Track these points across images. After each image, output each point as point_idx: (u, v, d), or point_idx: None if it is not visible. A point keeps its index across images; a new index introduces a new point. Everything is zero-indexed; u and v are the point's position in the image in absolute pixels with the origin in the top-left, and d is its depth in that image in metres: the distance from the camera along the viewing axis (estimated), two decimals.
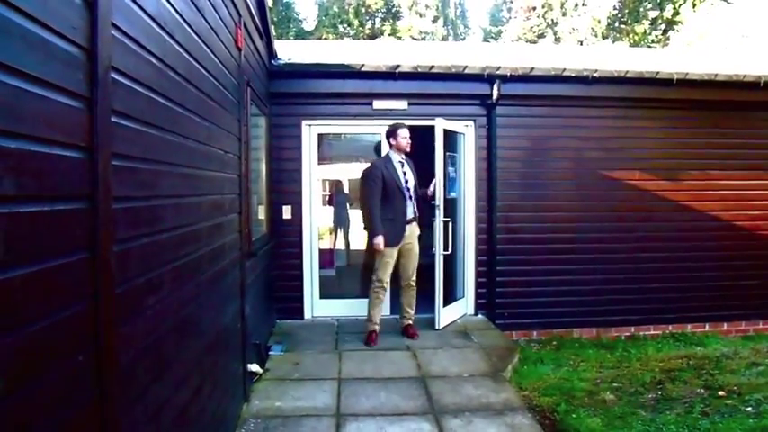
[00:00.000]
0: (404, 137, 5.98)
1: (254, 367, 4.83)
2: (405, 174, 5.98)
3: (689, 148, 7.28)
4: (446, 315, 6.60)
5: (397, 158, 6.00)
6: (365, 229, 6.28)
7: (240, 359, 4.33)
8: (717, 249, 7.37)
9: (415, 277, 6.15)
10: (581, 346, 6.72)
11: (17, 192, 1.33)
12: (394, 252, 5.96)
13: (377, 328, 6.08)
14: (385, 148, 6.21)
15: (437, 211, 6.31)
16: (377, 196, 5.87)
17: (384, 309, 6.39)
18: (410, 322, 6.24)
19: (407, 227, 5.98)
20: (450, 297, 6.75)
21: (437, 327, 6.41)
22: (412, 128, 6.13)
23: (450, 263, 6.79)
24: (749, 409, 4.65)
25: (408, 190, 5.98)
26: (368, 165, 6.43)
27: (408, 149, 6.02)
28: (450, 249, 6.47)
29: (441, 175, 6.26)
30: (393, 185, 5.88)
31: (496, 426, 4.12)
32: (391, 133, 6.04)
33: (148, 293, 2.25)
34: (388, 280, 6.06)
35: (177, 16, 2.65)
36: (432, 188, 6.24)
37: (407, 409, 4.37)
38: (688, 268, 7.29)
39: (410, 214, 6.01)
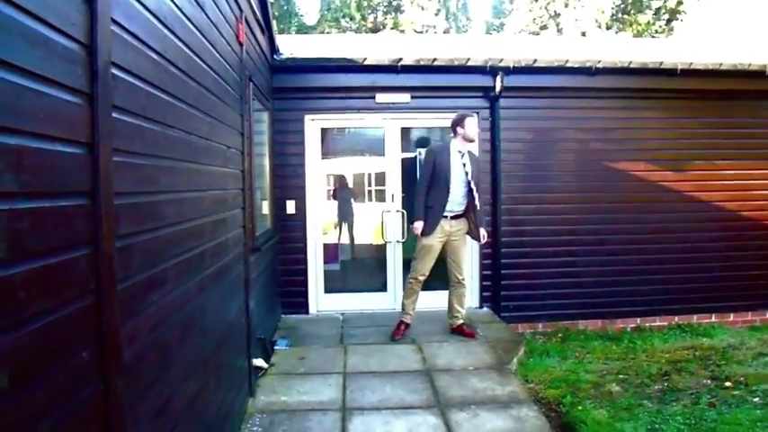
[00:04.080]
0: (472, 125, 5.77)
1: (259, 362, 4.84)
2: (464, 165, 5.73)
3: (694, 138, 7.24)
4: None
5: (456, 148, 5.76)
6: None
7: (245, 354, 4.33)
8: (722, 240, 7.34)
9: (464, 276, 5.95)
10: (587, 338, 6.71)
11: (18, 188, 1.33)
12: (432, 243, 5.75)
13: (407, 319, 5.99)
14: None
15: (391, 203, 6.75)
16: (423, 182, 5.78)
17: (385, 302, 6.36)
18: (461, 321, 6.02)
19: (448, 221, 5.75)
20: None
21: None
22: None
23: None
24: (756, 399, 4.65)
25: (455, 181, 5.71)
26: (371, 159, 6.56)
27: (475, 139, 5.93)
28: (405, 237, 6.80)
29: (399, 173, 6.97)
30: (441, 174, 5.68)
31: (502, 419, 4.12)
32: (458, 122, 5.77)
33: (152, 289, 2.25)
34: (425, 272, 5.84)
35: (177, 11, 2.64)
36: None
37: (413, 403, 4.38)
38: (694, 259, 7.26)
39: (455, 207, 5.76)
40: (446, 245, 5.84)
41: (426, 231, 5.73)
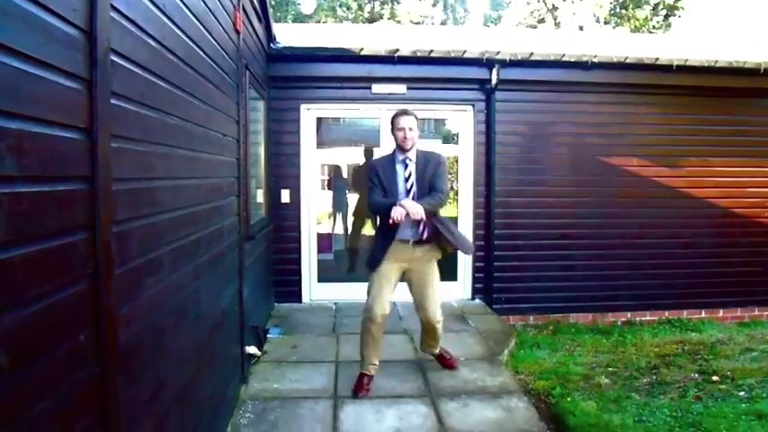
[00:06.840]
0: (400, 128, 4.30)
1: (252, 350, 4.86)
2: (407, 179, 4.34)
3: (688, 135, 7.27)
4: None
5: (399, 158, 4.39)
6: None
7: (238, 341, 4.36)
8: (714, 236, 7.40)
9: (437, 315, 4.49)
10: (577, 332, 6.76)
11: (19, 172, 1.35)
12: (387, 273, 4.38)
13: (370, 371, 4.49)
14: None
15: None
16: (377, 193, 4.35)
17: None
18: (437, 351, 4.85)
19: (406, 248, 4.37)
20: None
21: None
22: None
23: None
24: (742, 393, 4.71)
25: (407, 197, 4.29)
26: (365, 150, 6.40)
27: (407, 145, 4.29)
28: None
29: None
30: (389, 194, 4.34)
31: (492, 408, 4.16)
32: (391, 123, 4.43)
33: (148, 274, 2.27)
34: (381, 312, 4.32)
35: None
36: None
37: (404, 392, 4.41)
38: (685, 255, 7.32)
39: (410, 234, 4.34)
40: (406, 272, 4.52)
41: (373, 264, 4.45)
